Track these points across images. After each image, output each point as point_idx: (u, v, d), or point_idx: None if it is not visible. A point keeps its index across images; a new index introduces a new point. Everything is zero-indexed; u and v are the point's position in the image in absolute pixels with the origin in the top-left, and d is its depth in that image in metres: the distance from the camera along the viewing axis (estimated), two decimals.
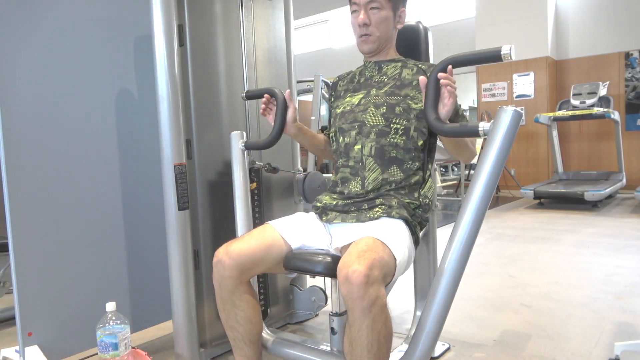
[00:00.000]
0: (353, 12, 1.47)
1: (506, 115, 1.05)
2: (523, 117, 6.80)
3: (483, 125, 1.08)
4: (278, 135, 1.56)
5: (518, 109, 1.06)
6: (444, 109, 1.18)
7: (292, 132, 1.58)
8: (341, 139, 1.49)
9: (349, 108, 1.50)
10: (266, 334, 1.52)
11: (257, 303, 1.37)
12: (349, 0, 1.48)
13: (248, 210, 1.63)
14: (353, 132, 1.46)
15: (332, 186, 1.52)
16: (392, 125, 1.42)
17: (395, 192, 1.40)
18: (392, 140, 1.42)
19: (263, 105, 1.57)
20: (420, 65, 1.49)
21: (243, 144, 1.64)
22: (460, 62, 1.14)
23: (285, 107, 1.54)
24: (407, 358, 1.13)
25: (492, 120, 1.08)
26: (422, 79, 1.20)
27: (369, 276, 1.04)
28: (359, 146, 1.44)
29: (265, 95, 1.56)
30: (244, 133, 1.67)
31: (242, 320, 1.33)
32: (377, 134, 1.42)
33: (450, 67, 1.15)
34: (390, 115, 1.42)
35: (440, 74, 1.15)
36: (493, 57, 1.07)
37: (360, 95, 1.50)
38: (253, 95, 1.66)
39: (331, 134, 1.58)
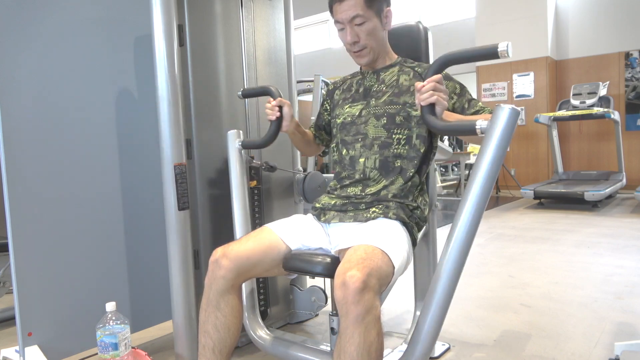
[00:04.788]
0: (339, 30, 1.43)
1: (504, 113, 1.04)
2: (523, 117, 6.81)
3: (480, 124, 1.06)
4: (275, 134, 1.54)
5: (518, 108, 1.04)
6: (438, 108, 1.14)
7: (291, 130, 1.55)
8: (344, 151, 1.48)
9: (349, 119, 1.49)
10: (265, 333, 1.52)
11: (241, 312, 1.33)
12: (333, 18, 1.44)
13: (246, 210, 1.62)
14: (357, 145, 1.45)
15: (331, 188, 1.52)
16: (394, 136, 1.41)
17: (393, 195, 1.39)
18: (395, 151, 1.41)
19: (269, 111, 1.51)
20: (416, 69, 1.48)
21: (240, 143, 1.64)
22: (456, 59, 1.11)
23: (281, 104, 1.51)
24: (406, 358, 1.13)
25: (490, 119, 1.06)
26: (418, 84, 1.15)
27: (367, 282, 1.02)
28: (364, 159, 1.43)
29: (270, 100, 1.52)
30: (241, 132, 1.66)
31: (220, 327, 1.28)
32: (379, 146, 1.41)
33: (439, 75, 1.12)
34: (391, 126, 1.41)
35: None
36: (489, 54, 1.04)
37: (360, 106, 1.49)
38: (249, 94, 1.66)
39: (332, 145, 1.57)
